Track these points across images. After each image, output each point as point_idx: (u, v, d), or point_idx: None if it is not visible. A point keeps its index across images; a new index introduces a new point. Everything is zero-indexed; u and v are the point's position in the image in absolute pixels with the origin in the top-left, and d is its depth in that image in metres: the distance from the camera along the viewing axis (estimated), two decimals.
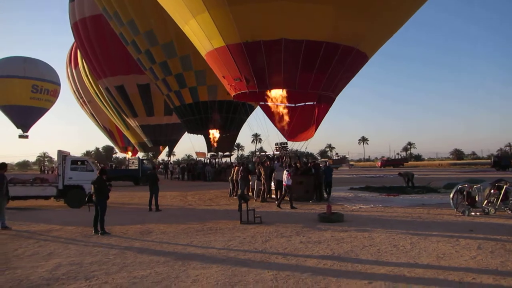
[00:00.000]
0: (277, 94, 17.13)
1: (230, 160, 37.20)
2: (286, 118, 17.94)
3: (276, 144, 18.86)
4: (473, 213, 11.50)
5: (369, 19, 15.27)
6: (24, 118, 47.60)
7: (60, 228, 10.57)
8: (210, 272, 6.43)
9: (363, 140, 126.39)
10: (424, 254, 7.15)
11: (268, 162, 17.21)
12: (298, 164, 17.36)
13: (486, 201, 11.57)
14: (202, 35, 16.70)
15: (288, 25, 14.93)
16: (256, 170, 17.03)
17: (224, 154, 36.37)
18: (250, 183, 17.72)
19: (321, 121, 17.59)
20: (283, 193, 14.52)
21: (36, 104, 47.17)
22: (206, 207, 15.47)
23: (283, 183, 14.31)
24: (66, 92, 54.29)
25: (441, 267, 6.37)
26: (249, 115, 34.42)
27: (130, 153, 56.70)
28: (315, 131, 17.59)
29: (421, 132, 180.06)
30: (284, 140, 18.72)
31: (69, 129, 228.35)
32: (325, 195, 16.53)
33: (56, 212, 14.14)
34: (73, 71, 48.93)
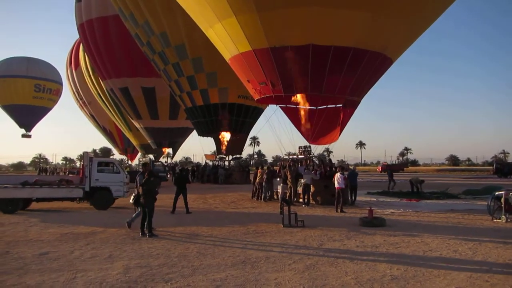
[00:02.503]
0: (302, 98, 17.17)
1: (238, 163, 37.08)
2: (310, 121, 17.98)
3: (300, 147, 18.88)
4: (509, 220, 11.58)
5: (397, 24, 15.40)
6: (27, 117, 47.40)
7: (103, 230, 10.46)
8: (287, 275, 6.41)
9: (360, 144, 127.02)
10: (491, 261, 7.18)
11: (295, 166, 17.18)
12: (322, 168, 17.38)
13: None
14: (228, 39, 16.71)
15: (317, 31, 15.00)
16: (282, 174, 16.99)
17: (234, 156, 36.30)
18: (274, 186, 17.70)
19: (345, 124, 17.67)
20: (335, 196, 14.42)
21: (39, 103, 47.01)
22: (234, 210, 15.42)
23: (336, 186, 14.23)
24: (63, 93, 54.12)
25: None
26: (258, 118, 34.51)
27: (129, 155, 56.61)
28: (340, 134, 17.66)
29: (415, 137, 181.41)
30: (307, 143, 18.74)
31: (66, 130, 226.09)
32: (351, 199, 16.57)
33: (86, 214, 13.98)
34: (73, 72, 48.77)
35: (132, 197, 10.79)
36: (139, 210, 10.48)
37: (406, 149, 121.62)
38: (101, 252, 8.02)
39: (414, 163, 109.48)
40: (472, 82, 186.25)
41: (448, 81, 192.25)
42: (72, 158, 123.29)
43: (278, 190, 17.44)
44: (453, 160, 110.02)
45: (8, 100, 45.96)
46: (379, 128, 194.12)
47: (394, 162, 79.60)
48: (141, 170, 32.70)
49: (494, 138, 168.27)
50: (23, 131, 49.71)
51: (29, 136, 50.66)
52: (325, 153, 21.51)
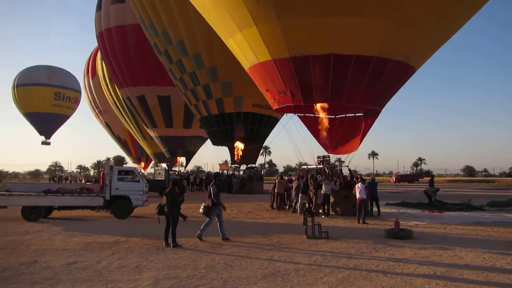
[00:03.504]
0: (322, 108, 17.02)
1: (252, 172, 36.93)
2: (329, 130, 17.79)
3: (318, 157, 18.69)
4: None
5: (421, 32, 15.20)
6: (47, 125, 48.50)
7: (126, 240, 10.39)
8: None
9: (373, 154, 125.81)
10: None
11: (316, 176, 16.99)
12: (341, 178, 17.16)
13: None
14: (247, 49, 16.68)
15: (338, 40, 14.87)
16: (301, 184, 16.79)
17: (247, 166, 36.17)
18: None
19: (366, 134, 17.46)
20: (357, 207, 14.20)
21: (58, 111, 48.07)
22: (253, 220, 15.27)
23: (357, 196, 14.03)
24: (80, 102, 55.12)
25: None
26: (273, 127, 34.42)
27: (143, 164, 57.00)
28: (360, 144, 17.44)
29: (429, 148, 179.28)
30: (325, 153, 18.54)
31: (81, 139, 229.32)
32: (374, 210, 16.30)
33: (106, 223, 13.96)
34: (90, 81, 49.61)
35: (202, 207, 10.81)
36: (208, 219, 10.59)
37: (420, 159, 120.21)
38: (127, 262, 7.93)
39: (428, 173, 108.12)
40: (486, 92, 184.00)
41: (462, 91, 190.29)
42: (86, 166, 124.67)
43: (296, 200, 17.30)
44: (469, 171, 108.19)
45: (30, 108, 47.13)
46: (392, 138, 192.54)
47: (408, 173, 78.32)
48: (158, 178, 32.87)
49: (510, 148, 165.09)
50: (42, 138, 50.72)
51: (49, 143, 51.75)
52: (337, 163, 21.06)
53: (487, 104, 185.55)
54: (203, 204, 10.79)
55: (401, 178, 67.31)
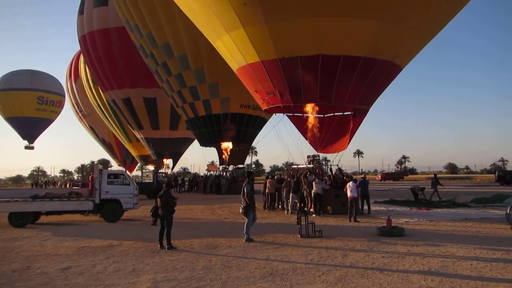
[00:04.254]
0: (311, 108, 17.13)
1: (241, 173, 36.88)
2: (318, 129, 17.91)
3: (308, 156, 18.80)
4: None
5: (407, 32, 15.44)
6: (31, 129, 47.88)
7: (119, 243, 10.28)
8: (320, 287, 6.29)
9: (358, 153, 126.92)
10: None
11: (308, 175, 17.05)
12: (332, 177, 17.30)
13: None
14: (235, 50, 16.70)
15: (326, 41, 15.01)
16: (292, 183, 16.87)
17: (235, 167, 36.14)
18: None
19: (355, 132, 17.66)
20: (348, 205, 14.32)
21: (42, 115, 47.50)
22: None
23: (348, 195, 14.13)
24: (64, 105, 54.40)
25: None
26: (261, 128, 34.49)
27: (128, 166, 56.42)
28: (349, 143, 17.62)
29: (413, 146, 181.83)
30: (315, 152, 18.66)
31: (64, 143, 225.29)
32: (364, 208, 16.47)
33: (97, 227, 13.77)
34: (73, 84, 49.07)
35: (241, 208, 10.81)
36: (248, 219, 10.58)
37: (404, 157, 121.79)
38: (123, 266, 7.86)
39: (412, 171, 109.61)
40: (469, 91, 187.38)
41: (446, 90, 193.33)
42: (70, 170, 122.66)
43: (289, 200, 17.37)
44: (452, 168, 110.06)
45: (12, 113, 46.56)
46: (377, 137, 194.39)
47: (392, 171, 79.36)
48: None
49: (492, 146, 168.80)
50: (26, 143, 49.98)
51: (32, 148, 51.05)
52: (323, 162, 21.20)
53: (469, 102, 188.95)
54: (242, 204, 10.81)
55: (387, 176, 68.01)
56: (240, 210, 10.86)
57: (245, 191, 10.63)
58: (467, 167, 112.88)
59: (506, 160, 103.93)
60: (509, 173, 43.09)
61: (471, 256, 8.27)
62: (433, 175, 28.59)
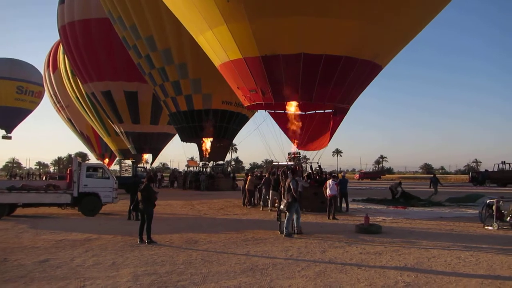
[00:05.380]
0: (292, 106, 17.27)
1: (221, 169, 36.87)
2: (299, 127, 18.08)
3: (289, 154, 18.92)
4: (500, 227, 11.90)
5: (387, 32, 15.71)
6: (9, 119, 46.82)
7: (98, 237, 10.19)
8: (300, 282, 6.41)
9: (337, 152, 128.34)
10: (496, 267, 7.36)
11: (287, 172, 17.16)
12: (311, 175, 17.50)
13: (511, 215, 12.02)
14: (218, 47, 16.69)
15: (308, 40, 15.14)
16: (271, 180, 16.97)
17: (215, 163, 36.08)
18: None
19: (335, 131, 17.89)
20: (327, 203, 14.48)
21: (20, 105, 46.45)
22: (225, 216, 15.29)
23: (327, 193, 14.29)
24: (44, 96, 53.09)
25: None
26: (243, 126, 34.53)
27: (107, 160, 55.62)
28: (329, 141, 17.86)
29: (391, 146, 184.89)
30: (296, 150, 18.79)
31: (41, 135, 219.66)
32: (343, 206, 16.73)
33: (75, 221, 13.61)
34: (51, 75, 47.89)
35: (283, 203, 11.14)
36: (289, 215, 10.72)
37: (382, 157, 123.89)
38: (103, 259, 7.81)
39: (390, 171, 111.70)
40: (448, 92, 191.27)
41: (425, 91, 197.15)
42: (46, 163, 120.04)
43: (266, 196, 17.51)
44: (427, 168, 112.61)
45: None
46: (356, 136, 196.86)
47: (372, 170, 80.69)
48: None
49: (468, 148, 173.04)
50: (3, 132, 48.82)
51: (10, 138, 49.94)
52: (303, 160, 21.40)
53: (450, 104, 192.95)
54: (284, 200, 11.09)
55: (365, 175, 69.20)
56: (282, 206, 11.15)
57: (292, 187, 10.89)
58: (442, 168, 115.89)
59: (480, 161, 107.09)
60: (482, 174, 44.28)
61: (445, 253, 8.54)
62: (432, 175, 29.24)
